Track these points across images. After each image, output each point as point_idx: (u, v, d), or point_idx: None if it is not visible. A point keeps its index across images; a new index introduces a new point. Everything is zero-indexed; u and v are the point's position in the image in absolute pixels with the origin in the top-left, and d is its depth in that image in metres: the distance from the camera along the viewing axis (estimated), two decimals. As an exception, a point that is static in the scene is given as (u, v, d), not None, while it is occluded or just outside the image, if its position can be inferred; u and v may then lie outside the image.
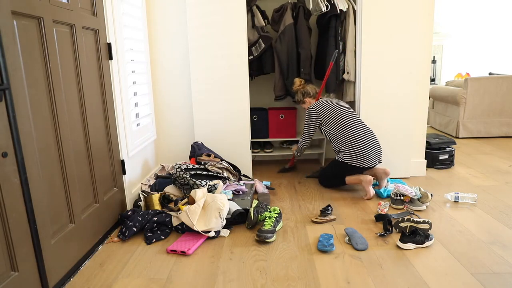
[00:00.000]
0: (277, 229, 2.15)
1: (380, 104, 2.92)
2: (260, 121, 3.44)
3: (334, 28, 3.07)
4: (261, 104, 3.77)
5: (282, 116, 3.45)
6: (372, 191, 2.63)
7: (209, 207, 2.11)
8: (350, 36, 3.04)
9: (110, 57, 2.19)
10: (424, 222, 2.06)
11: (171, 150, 3.18)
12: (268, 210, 2.26)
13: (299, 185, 2.96)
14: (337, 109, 2.74)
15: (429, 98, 5.21)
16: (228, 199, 2.34)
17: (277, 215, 2.19)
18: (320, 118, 2.78)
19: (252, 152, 3.49)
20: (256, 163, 3.68)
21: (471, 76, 6.20)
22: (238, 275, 1.71)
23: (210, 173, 2.58)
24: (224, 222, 2.12)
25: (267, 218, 2.14)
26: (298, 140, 3.66)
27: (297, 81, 3.00)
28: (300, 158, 3.79)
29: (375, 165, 2.69)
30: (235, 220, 2.24)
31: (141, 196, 2.37)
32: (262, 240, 2.01)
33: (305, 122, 2.87)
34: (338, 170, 2.77)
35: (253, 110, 3.46)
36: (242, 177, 3.00)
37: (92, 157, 1.96)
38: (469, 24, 6.82)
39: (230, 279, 1.68)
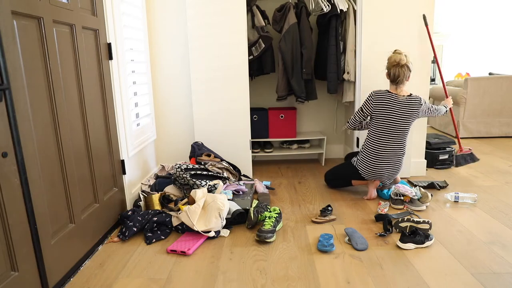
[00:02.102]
0: (277, 229, 2.15)
1: (380, 104, 2.92)
2: (260, 121, 3.45)
3: (334, 28, 3.07)
4: (261, 104, 3.77)
5: (282, 116, 3.45)
6: (374, 193, 2.62)
7: (209, 207, 2.11)
8: (350, 36, 3.04)
9: (110, 57, 2.19)
10: (424, 222, 2.06)
11: (171, 150, 3.18)
12: (268, 210, 2.26)
13: (299, 185, 2.96)
14: (388, 111, 2.47)
15: (429, 98, 5.21)
16: (228, 199, 2.34)
17: (277, 215, 2.19)
18: (371, 109, 2.53)
19: (252, 152, 3.49)
20: (256, 163, 3.68)
21: (471, 76, 6.21)
22: (238, 275, 1.71)
23: (210, 173, 2.58)
24: (224, 222, 2.12)
25: (267, 218, 2.14)
26: (298, 140, 3.67)
27: (398, 56, 2.46)
28: (300, 158, 3.79)
29: (381, 179, 2.61)
30: (235, 220, 2.24)
31: (141, 196, 2.37)
32: (262, 240, 2.01)
33: (361, 106, 2.60)
34: (348, 173, 2.70)
35: (253, 110, 3.46)
36: (242, 177, 3.00)
37: (92, 157, 1.96)
38: (469, 24, 6.82)
39: (230, 279, 1.68)
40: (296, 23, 3.09)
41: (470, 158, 3.09)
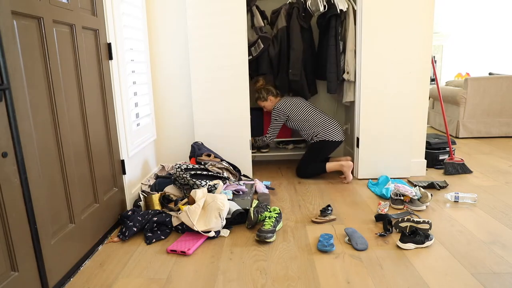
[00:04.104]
0: (277, 229, 2.15)
1: (380, 104, 2.92)
2: (255, 121, 3.44)
3: (334, 28, 3.07)
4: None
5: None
6: (350, 176, 2.96)
7: (209, 207, 2.11)
8: (350, 36, 3.04)
9: (110, 57, 2.19)
10: (424, 222, 2.06)
11: (171, 150, 3.18)
12: (268, 210, 2.26)
13: (299, 185, 2.96)
14: (300, 103, 3.15)
15: (429, 98, 5.21)
16: (228, 199, 2.34)
17: (277, 215, 2.19)
18: (287, 114, 3.12)
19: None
20: (255, 163, 3.68)
21: (471, 76, 6.20)
22: (238, 275, 1.71)
23: (210, 173, 2.58)
24: (224, 222, 2.12)
25: (267, 218, 2.14)
26: (294, 140, 3.68)
27: (260, 80, 3.22)
28: (298, 158, 3.78)
29: (344, 139, 3.13)
30: (235, 220, 2.24)
31: (141, 196, 2.37)
32: (262, 240, 2.01)
33: (273, 121, 3.16)
34: (317, 151, 3.08)
35: (251, 110, 3.45)
36: (242, 177, 3.00)
37: (92, 157, 1.96)
38: (469, 24, 6.82)
39: (230, 279, 1.68)
40: (285, 27, 3.15)
41: (461, 168, 3.14)
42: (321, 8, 2.98)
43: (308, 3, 3.13)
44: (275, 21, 3.20)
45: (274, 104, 3.21)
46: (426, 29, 2.92)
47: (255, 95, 3.25)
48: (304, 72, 3.23)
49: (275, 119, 3.16)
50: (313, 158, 3.11)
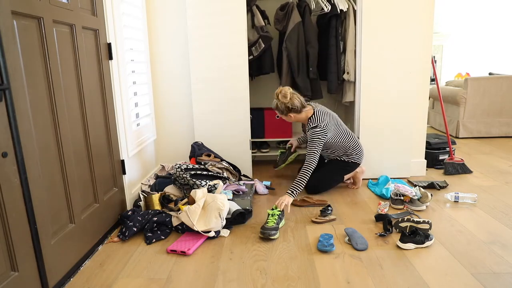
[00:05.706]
0: (280, 226, 2.16)
1: (380, 104, 2.92)
2: (256, 121, 3.44)
3: (334, 28, 3.07)
4: (261, 104, 3.77)
5: (278, 116, 3.44)
6: (361, 182, 2.89)
7: (209, 207, 2.11)
8: (350, 36, 3.04)
9: (110, 57, 2.19)
10: (424, 222, 2.06)
11: (171, 150, 3.18)
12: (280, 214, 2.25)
13: (299, 185, 2.96)
14: (336, 118, 2.71)
15: (429, 98, 5.21)
16: (228, 199, 2.34)
17: (279, 212, 2.19)
18: (327, 134, 2.58)
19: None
20: (255, 163, 3.68)
21: (471, 76, 6.20)
22: (238, 275, 1.71)
23: (210, 173, 2.58)
24: (224, 222, 2.12)
25: (270, 216, 2.15)
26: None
27: (288, 93, 2.53)
28: (299, 158, 3.77)
29: None
30: (235, 220, 2.24)
31: (141, 196, 2.37)
32: (266, 237, 2.02)
33: (314, 144, 2.50)
34: (343, 172, 2.79)
35: (251, 110, 3.45)
36: (242, 177, 3.00)
37: (92, 157, 1.96)
38: (469, 24, 6.82)
39: (230, 279, 1.68)
40: (301, 22, 3.08)
41: (461, 168, 3.14)
42: (325, 8, 2.98)
43: (311, 3, 3.12)
44: (282, 19, 3.15)
45: (308, 115, 2.61)
46: (426, 29, 2.92)
47: (280, 107, 2.58)
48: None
49: (316, 142, 2.50)
50: (337, 178, 2.79)
